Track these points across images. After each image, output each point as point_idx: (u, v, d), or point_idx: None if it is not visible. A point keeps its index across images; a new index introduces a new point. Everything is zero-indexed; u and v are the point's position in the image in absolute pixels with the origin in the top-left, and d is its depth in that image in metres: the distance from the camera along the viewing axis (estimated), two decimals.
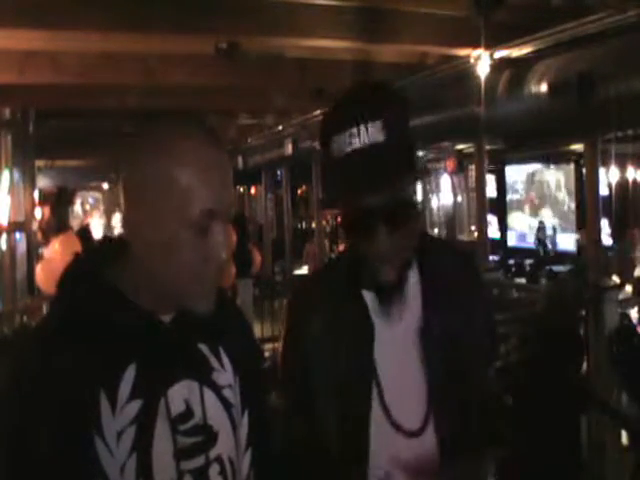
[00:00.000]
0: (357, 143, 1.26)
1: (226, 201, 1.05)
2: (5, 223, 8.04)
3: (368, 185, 1.26)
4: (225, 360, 1.16)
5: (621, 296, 5.91)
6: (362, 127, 1.26)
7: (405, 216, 1.30)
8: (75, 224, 16.07)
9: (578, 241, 10.12)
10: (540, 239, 11.02)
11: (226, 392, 1.15)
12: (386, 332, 1.37)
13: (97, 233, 15.59)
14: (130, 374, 1.04)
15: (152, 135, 1.06)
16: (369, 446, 1.34)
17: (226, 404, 1.14)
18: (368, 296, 1.38)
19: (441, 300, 1.38)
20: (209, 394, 1.11)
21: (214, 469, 1.10)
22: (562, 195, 11.44)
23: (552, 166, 11.61)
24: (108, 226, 17.85)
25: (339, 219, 1.35)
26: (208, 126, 1.07)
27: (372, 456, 1.34)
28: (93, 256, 1.14)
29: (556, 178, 11.57)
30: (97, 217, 18.32)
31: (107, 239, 1.18)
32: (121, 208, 1.08)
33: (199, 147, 1.03)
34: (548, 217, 11.52)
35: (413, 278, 1.39)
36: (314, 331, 1.40)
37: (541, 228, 11.03)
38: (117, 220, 17.48)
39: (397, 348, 1.37)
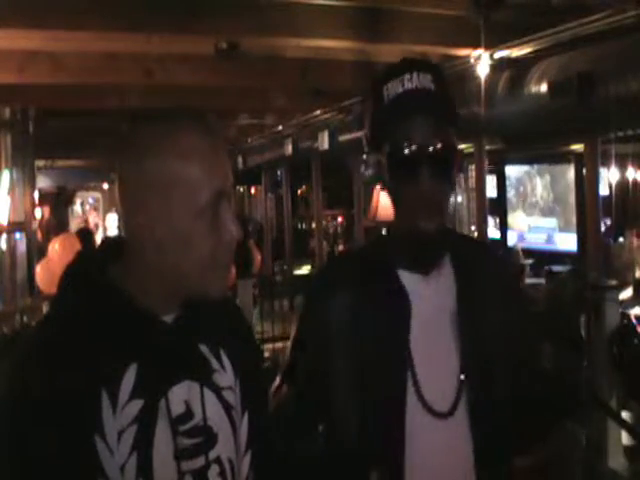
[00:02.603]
0: (409, 85, 1.34)
1: (229, 178, 1.07)
2: (5, 223, 8.04)
3: (419, 122, 1.33)
4: (226, 361, 1.16)
5: (621, 296, 5.90)
6: (414, 74, 1.35)
7: (449, 162, 1.35)
8: (75, 224, 16.05)
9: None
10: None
11: (226, 393, 1.15)
12: (421, 312, 1.38)
13: (97, 233, 15.57)
14: (131, 374, 1.04)
15: (147, 136, 1.06)
16: (405, 427, 1.33)
17: (226, 405, 1.14)
18: (405, 276, 1.40)
19: (474, 291, 1.40)
20: (209, 395, 1.12)
21: (214, 470, 1.10)
22: (562, 194, 11.44)
23: (551, 166, 11.61)
24: (105, 226, 17.82)
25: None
26: (195, 112, 1.10)
27: (406, 435, 1.34)
28: (94, 256, 1.14)
29: (555, 178, 11.57)
30: (95, 217, 18.29)
31: (107, 240, 1.18)
32: (120, 211, 1.08)
33: (195, 136, 1.05)
34: (548, 217, 11.55)
35: (447, 268, 1.41)
36: (341, 309, 1.39)
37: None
38: (112, 220, 17.41)
39: (431, 329, 1.38)
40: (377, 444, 1.35)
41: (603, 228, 7.15)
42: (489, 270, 1.46)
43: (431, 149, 1.32)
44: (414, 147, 1.32)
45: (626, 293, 6.39)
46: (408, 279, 1.39)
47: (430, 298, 1.39)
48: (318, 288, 1.51)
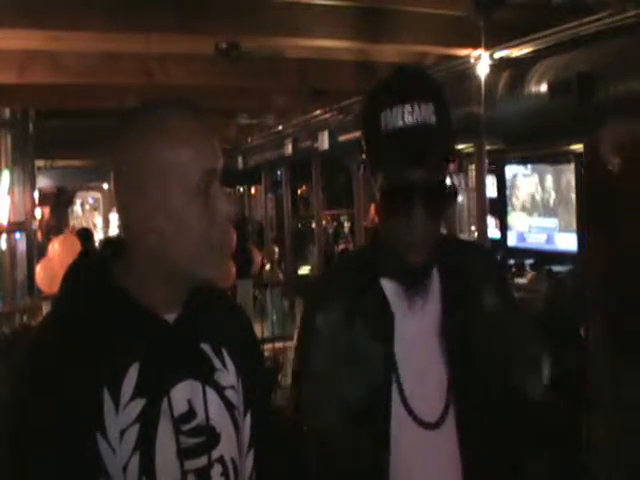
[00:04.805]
0: (410, 120, 1.29)
1: (218, 158, 1.10)
2: (5, 223, 8.05)
3: (419, 160, 1.29)
4: (228, 361, 1.16)
5: None
6: (416, 105, 1.30)
7: (444, 201, 1.33)
8: (74, 224, 16.04)
9: None
10: None
11: (228, 393, 1.15)
12: (406, 324, 1.37)
13: (97, 233, 15.55)
14: (133, 373, 1.04)
15: (138, 127, 1.08)
16: (390, 437, 1.33)
17: (228, 405, 1.14)
18: (387, 286, 1.39)
19: (461, 297, 1.39)
20: (212, 394, 1.12)
21: (216, 469, 1.10)
22: (562, 194, 11.44)
23: (551, 166, 11.61)
24: (106, 226, 17.83)
25: (378, 196, 1.35)
26: (180, 99, 1.13)
27: (392, 447, 1.34)
28: (96, 256, 1.14)
29: (555, 178, 11.57)
30: (96, 217, 18.29)
31: (108, 239, 1.19)
32: (117, 204, 1.09)
33: (182, 121, 1.08)
34: (548, 217, 11.54)
35: (434, 280, 1.39)
36: (330, 327, 1.39)
37: None
38: (113, 219, 17.41)
39: (417, 340, 1.37)
40: (363, 454, 1.34)
41: None
42: (477, 274, 1.44)
43: (426, 187, 1.29)
44: (409, 183, 1.29)
45: None
46: (393, 291, 1.38)
47: (416, 311, 1.37)
48: (307, 309, 1.49)
